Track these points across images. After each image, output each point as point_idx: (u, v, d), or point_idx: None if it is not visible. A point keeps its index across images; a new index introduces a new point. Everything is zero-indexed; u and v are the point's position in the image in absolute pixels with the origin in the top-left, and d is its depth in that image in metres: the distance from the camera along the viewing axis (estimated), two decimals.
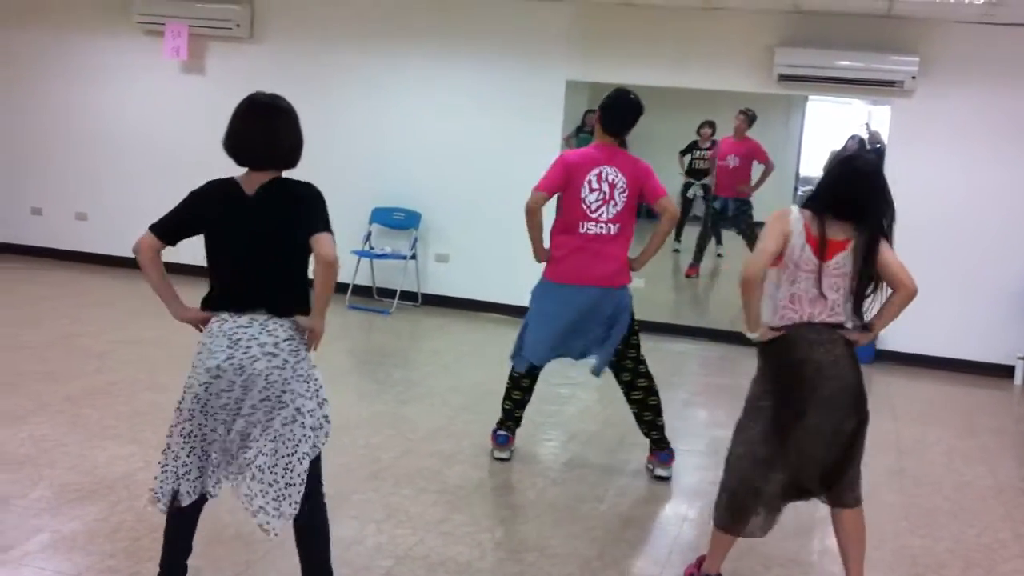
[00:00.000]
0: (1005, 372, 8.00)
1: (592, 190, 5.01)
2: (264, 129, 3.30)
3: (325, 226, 3.24)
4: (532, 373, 5.35)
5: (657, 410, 5.27)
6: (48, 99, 10.09)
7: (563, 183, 5.05)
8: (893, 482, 5.56)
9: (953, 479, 5.68)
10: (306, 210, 3.25)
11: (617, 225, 5.06)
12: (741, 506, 3.85)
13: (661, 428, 5.29)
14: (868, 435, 6.38)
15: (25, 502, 4.41)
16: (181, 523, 3.47)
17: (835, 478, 3.85)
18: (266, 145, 3.30)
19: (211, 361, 3.23)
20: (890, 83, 7.98)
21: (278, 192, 3.30)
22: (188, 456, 3.31)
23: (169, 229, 3.42)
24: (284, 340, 3.25)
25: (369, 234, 9.05)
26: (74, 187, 10.12)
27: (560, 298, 5.12)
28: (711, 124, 10.67)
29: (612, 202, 5.02)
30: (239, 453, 3.29)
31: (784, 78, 8.14)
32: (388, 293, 9.04)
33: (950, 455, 6.11)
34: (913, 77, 7.88)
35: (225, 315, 3.29)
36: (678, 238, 11.00)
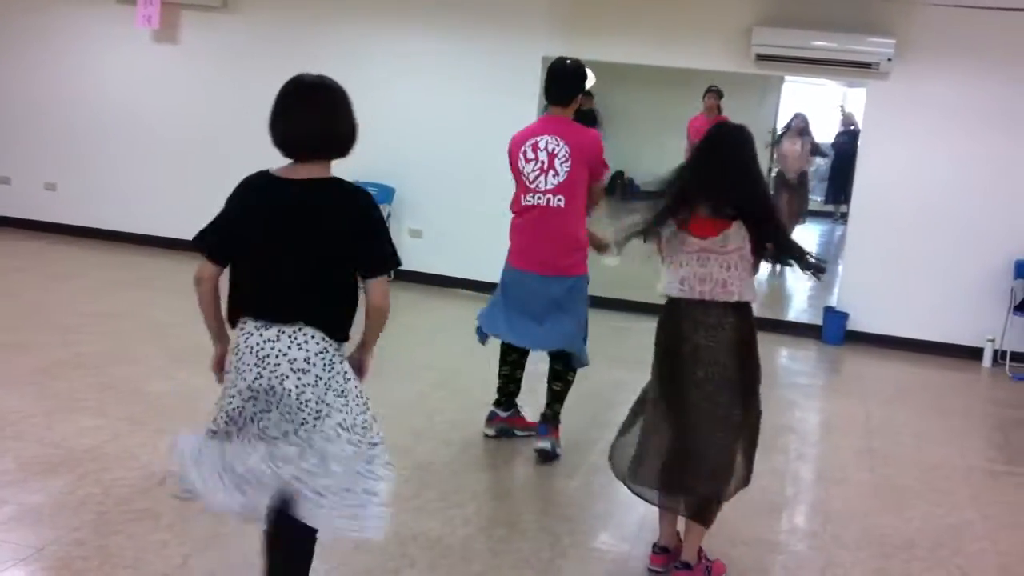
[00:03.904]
0: (974, 354, 8.06)
1: (528, 160, 4.89)
2: (322, 113, 3.03)
3: (383, 263, 3.07)
4: (514, 347, 5.26)
5: (567, 387, 5.18)
6: (17, 67, 9.93)
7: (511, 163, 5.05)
8: (862, 462, 5.60)
9: (922, 459, 5.72)
10: (371, 238, 3.03)
11: (560, 197, 4.85)
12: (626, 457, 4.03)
13: (560, 406, 5.20)
14: (839, 415, 6.42)
15: None
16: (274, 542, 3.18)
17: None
18: (324, 131, 3.03)
19: (241, 382, 2.97)
20: (866, 65, 7.99)
21: (331, 192, 3.03)
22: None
23: (219, 244, 3.08)
24: (316, 354, 2.96)
25: None
26: (43, 156, 9.97)
27: (511, 280, 5.10)
28: (717, 92, 10.25)
29: (552, 171, 4.84)
30: (280, 477, 2.96)
31: (761, 58, 8.13)
32: None
33: (919, 436, 6.15)
34: (889, 59, 7.89)
35: (251, 326, 2.99)
36: None
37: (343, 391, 3.01)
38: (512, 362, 5.32)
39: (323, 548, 3.90)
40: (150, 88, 9.59)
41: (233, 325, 3.10)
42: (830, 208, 13.25)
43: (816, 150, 11.48)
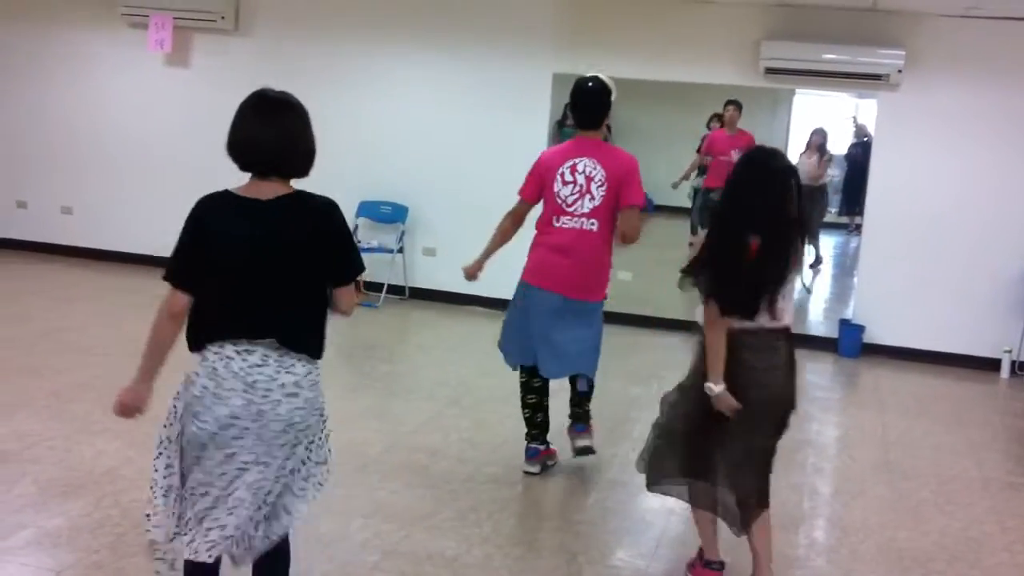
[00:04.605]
0: (992, 365, 8.02)
1: (565, 183, 4.83)
2: (278, 129, 2.94)
3: (353, 270, 3.03)
4: (536, 374, 5.11)
5: (590, 388, 5.11)
6: (33, 92, 10.02)
7: (539, 183, 4.95)
8: (880, 475, 5.57)
9: (940, 472, 5.69)
10: (337, 246, 2.99)
11: (594, 221, 4.80)
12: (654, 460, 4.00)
13: (588, 403, 5.14)
14: (856, 428, 6.40)
15: (8, 498, 4.38)
16: None
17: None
18: (280, 148, 2.94)
19: (222, 409, 2.88)
20: (876, 76, 7.99)
21: (300, 207, 2.95)
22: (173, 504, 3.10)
23: (187, 272, 2.94)
24: (304, 376, 2.94)
25: (356, 228, 9.01)
26: (59, 180, 10.05)
27: (527, 299, 5.02)
28: (737, 104, 10.18)
29: (589, 195, 4.79)
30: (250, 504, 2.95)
31: (770, 71, 8.14)
32: (375, 287, 8.99)
33: (937, 448, 6.12)
34: (899, 70, 7.89)
35: (229, 350, 2.90)
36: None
37: (323, 410, 3.07)
38: (536, 389, 5.17)
39: (340, 568, 3.92)
40: (163, 111, 9.66)
41: (196, 350, 2.99)
42: (844, 220, 13.21)
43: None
